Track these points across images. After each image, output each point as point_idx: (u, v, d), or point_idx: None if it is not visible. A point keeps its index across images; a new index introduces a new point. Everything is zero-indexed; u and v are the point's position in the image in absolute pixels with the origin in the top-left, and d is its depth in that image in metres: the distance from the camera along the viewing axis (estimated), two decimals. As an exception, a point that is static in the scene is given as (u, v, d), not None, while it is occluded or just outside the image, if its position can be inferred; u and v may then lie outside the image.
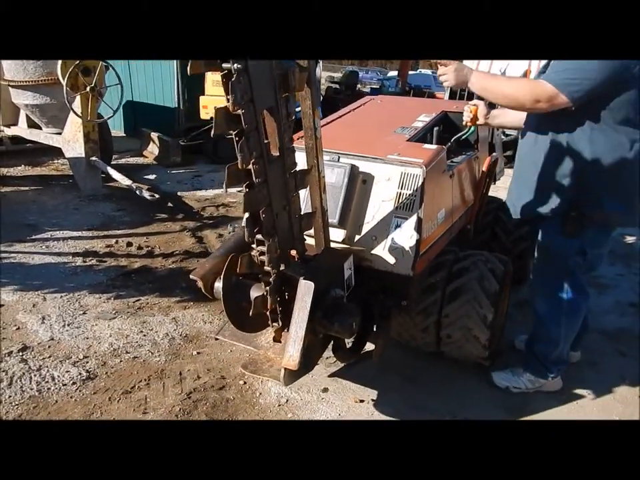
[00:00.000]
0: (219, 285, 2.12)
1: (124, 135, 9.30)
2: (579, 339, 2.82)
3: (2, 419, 2.32)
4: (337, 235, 2.34)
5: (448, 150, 2.69)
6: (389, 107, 3.70)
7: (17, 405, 2.43)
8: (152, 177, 6.93)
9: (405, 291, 2.42)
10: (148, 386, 2.63)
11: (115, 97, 6.11)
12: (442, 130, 3.03)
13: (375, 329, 2.46)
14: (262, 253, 1.81)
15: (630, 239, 5.25)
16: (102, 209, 5.45)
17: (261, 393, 2.63)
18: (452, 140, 2.85)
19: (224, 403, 2.54)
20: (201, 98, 7.86)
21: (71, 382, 2.62)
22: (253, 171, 1.60)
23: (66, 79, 5.32)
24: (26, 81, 5.95)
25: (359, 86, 15.62)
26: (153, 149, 7.77)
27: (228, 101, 1.44)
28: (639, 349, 3.19)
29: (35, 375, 2.65)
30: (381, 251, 2.30)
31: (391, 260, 2.28)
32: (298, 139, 2.20)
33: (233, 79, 1.42)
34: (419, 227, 2.25)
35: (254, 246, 1.82)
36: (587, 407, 2.66)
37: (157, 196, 5.17)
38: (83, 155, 5.70)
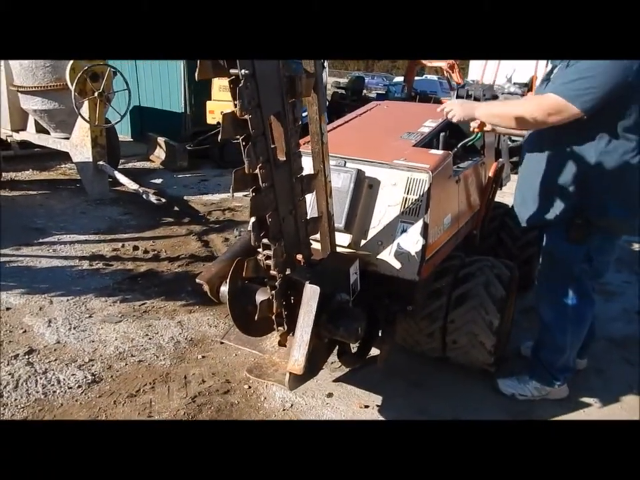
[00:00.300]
0: (224, 288, 2.13)
1: (131, 139, 9.36)
2: (585, 346, 2.80)
3: (8, 419, 2.33)
4: (342, 240, 2.34)
5: (454, 155, 2.69)
6: (395, 112, 3.70)
7: (23, 407, 2.44)
8: (158, 181, 6.96)
9: (411, 296, 2.41)
10: (153, 389, 2.64)
11: (122, 102, 6.15)
12: (448, 135, 3.03)
13: (380, 334, 2.46)
14: (268, 257, 1.82)
15: (637, 246, 5.22)
16: (109, 212, 5.48)
17: (265, 398, 2.63)
18: (458, 145, 2.85)
19: (228, 407, 2.54)
20: (208, 103, 7.90)
21: (77, 385, 2.63)
22: (259, 175, 1.61)
23: (74, 84, 5.36)
24: (34, 87, 6.00)
25: (364, 91, 15.63)
26: (159, 154, 7.81)
27: (235, 106, 1.45)
28: (646, 357, 3.17)
29: (40, 378, 2.66)
30: (387, 255, 2.30)
31: (397, 265, 2.28)
32: (304, 143, 2.21)
33: (240, 85, 1.42)
34: (424, 232, 2.25)
35: (260, 250, 1.83)
36: (593, 415, 2.64)
37: (163, 200, 5.19)
38: (91, 160, 5.75)
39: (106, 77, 5.64)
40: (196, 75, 1.40)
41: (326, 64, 9.98)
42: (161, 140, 7.74)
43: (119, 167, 6.72)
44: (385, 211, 2.32)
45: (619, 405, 2.73)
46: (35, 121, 6.60)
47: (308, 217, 1.98)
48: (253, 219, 1.72)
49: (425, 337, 2.66)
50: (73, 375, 2.71)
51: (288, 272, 1.91)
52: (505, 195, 4.22)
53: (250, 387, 2.69)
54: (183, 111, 8.58)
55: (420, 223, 2.25)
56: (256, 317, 1.90)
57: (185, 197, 6.27)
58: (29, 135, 6.74)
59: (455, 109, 2.41)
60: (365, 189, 2.37)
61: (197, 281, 2.20)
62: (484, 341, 2.53)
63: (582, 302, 2.47)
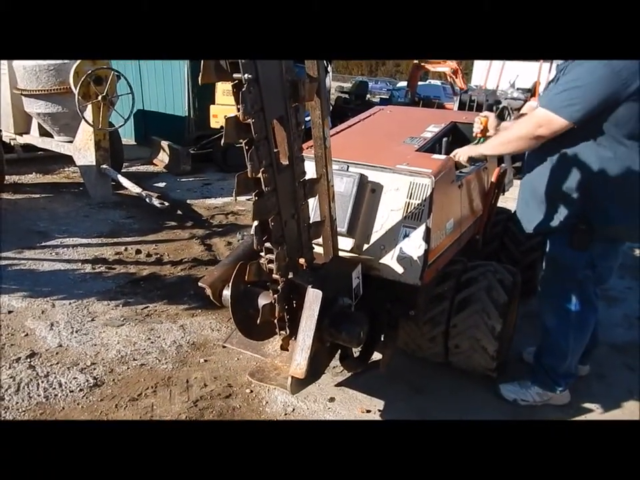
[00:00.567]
0: (227, 292, 2.13)
1: (134, 143, 9.39)
2: (588, 352, 2.79)
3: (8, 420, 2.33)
4: (345, 244, 2.34)
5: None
6: (398, 117, 3.71)
7: (24, 411, 2.44)
8: (162, 184, 6.98)
9: (413, 301, 2.41)
10: (155, 393, 2.64)
11: (126, 105, 6.18)
12: (451, 141, 3.03)
13: (382, 339, 2.46)
14: (270, 261, 1.82)
15: (639, 252, 5.21)
16: (112, 216, 5.49)
17: (267, 402, 2.62)
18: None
19: (230, 411, 2.54)
20: (211, 107, 7.93)
21: (78, 389, 2.63)
22: (262, 179, 1.61)
23: (78, 87, 5.39)
24: (38, 90, 6.04)
25: (368, 96, 15.70)
26: (163, 157, 7.83)
27: (238, 110, 1.45)
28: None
29: (42, 382, 2.66)
30: (389, 260, 2.29)
31: (399, 269, 2.27)
32: (307, 148, 2.21)
33: (243, 89, 1.42)
34: (427, 237, 2.25)
35: (262, 254, 1.83)
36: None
37: (166, 204, 5.19)
38: (94, 163, 5.76)
39: (109, 81, 5.66)
40: (199, 78, 1.41)
41: (330, 68, 9.98)
42: (164, 144, 7.76)
43: (123, 170, 6.73)
44: (387, 215, 2.33)
45: (620, 410, 2.71)
46: (39, 124, 6.63)
47: (310, 221, 1.98)
48: (255, 223, 1.72)
49: (427, 341, 2.65)
50: (74, 378, 2.71)
51: (290, 276, 1.91)
52: (508, 200, 4.21)
53: (252, 391, 2.69)
54: (187, 114, 8.61)
55: (422, 228, 2.25)
56: (258, 321, 1.90)
57: (188, 201, 6.29)
58: (33, 138, 6.77)
59: (460, 150, 2.57)
60: (367, 194, 2.37)
61: (200, 284, 2.20)
62: (486, 345, 2.53)
63: (585, 308, 2.46)
